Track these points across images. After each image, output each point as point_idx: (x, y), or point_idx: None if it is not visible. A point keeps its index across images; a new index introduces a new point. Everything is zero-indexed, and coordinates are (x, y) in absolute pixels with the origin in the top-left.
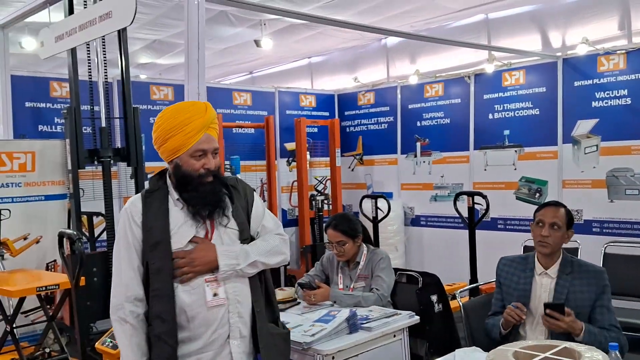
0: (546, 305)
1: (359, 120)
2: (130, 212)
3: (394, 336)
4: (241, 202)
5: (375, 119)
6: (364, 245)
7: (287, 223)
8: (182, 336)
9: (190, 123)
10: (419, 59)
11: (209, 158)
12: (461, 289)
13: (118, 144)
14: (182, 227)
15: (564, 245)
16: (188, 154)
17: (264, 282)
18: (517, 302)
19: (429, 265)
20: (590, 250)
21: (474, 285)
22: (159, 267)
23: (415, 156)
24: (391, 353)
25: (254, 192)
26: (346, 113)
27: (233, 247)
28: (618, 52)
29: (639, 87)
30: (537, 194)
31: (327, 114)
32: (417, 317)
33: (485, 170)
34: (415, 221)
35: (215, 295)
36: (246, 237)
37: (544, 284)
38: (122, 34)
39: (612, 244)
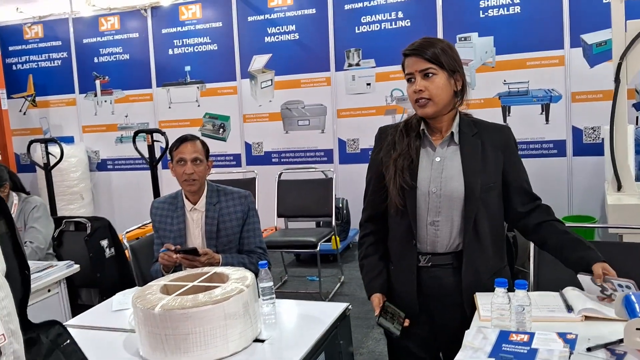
0: (178, 251)
1: (27, 57)
2: None
3: (49, 291)
4: None
5: (47, 54)
6: (14, 194)
7: None
8: None
9: None
10: None
11: None
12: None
13: None
14: None
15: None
16: None
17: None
18: (173, 243)
19: (119, 210)
20: (269, 179)
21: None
22: None
23: (96, 95)
24: (48, 309)
25: None
26: (10, 48)
27: None
28: None
29: (305, 22)
30: (221, 130)
31: None
32: (77, 266)
33: (169, 107)
34: (101, 165)
35: None
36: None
37: (195, 220)
38: None
39: (285, 171)
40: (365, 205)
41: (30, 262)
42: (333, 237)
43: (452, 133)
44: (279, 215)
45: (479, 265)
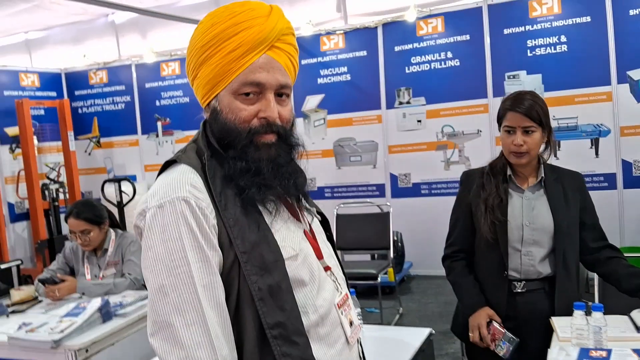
0: None
1: (93, 101)
2: (196, 206)
3: None
4: None
5: (111, 98)
6: (112, 230)
7: (15, 218)
8: None
9: (238, 33)
10: (152, 35)
11: (268, 100)
12: None
13: None
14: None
15: None
16: (230, 91)
17: None
18: None
19: None
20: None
21: None
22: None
23: (157, 136)
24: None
25: None
26: (77, 93)
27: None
28: (337, 32)
29: (357, 64)
30: None
31: (54, 94)
32: None
33: None
34: None
35: (352, 324)
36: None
37: None
38: None
39: (342, 205)
40: (452, 241)
41: (132, 292)
42: (390, 269)
43: (541, 178)
44: (338, 249)
45: (568, 291)
